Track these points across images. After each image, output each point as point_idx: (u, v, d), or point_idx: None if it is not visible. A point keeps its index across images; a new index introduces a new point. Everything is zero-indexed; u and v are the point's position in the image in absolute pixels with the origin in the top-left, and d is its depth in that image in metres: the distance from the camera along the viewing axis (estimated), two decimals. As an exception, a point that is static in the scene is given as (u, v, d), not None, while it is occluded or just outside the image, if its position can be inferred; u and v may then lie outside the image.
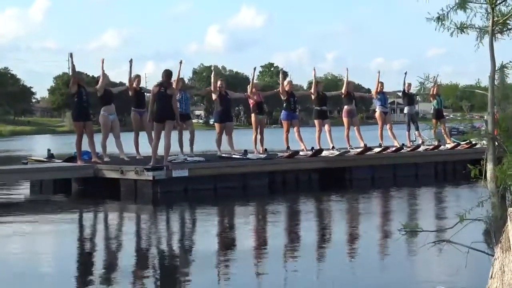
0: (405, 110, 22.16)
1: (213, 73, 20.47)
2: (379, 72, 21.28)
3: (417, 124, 22.26)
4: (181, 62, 17.05)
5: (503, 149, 5.86)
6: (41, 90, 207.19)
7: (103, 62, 17.00)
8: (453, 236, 5.89)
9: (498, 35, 6.15)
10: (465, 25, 6.12)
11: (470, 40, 6.03)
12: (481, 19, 6.27)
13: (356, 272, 7.78)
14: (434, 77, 6.33)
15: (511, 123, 5.88)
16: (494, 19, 5.94)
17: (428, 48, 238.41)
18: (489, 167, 5.84)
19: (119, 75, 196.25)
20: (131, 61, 17.24)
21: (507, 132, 5.81)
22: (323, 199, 15.09)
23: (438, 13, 6.01)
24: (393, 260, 8.36)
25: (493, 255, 5.44)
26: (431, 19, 6.13)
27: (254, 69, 19.67)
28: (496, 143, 5.82)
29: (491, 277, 4.50)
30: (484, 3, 6.16)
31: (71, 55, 16.51)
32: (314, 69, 20.06)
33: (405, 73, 21.78)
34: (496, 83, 6.10)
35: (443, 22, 6.08)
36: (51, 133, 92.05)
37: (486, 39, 6.15)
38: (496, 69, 6.03)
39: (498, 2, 5.91)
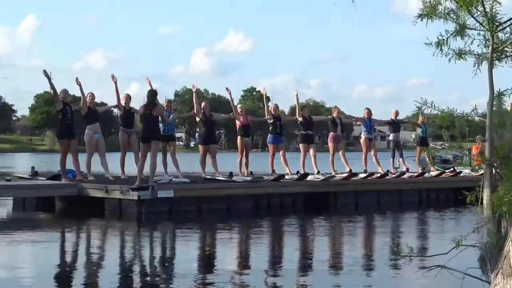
0: (390, 137, 22.23)
1: (194, 95, 18.80)
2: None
3: (402, 151, 22.36)
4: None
5: (500, 176, 5.85)
6: (22, 108, 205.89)
7: (80, 84, 16.44)
8: (447, 262, 5.84)
9: (496, 62, 6.17)
10: (463, 51, 6.14)
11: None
12: (478, 46, 6.30)
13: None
14: (432, 102, 6.31)
15: (509, 150, 5.87)
16: (494, 46, 5.96)
17: (410, 76, 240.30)
18: (486, 193, 5.83)
19: (104, 95, 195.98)
20: (113, 77, 17.10)
21: (506, 159, 5.80)
22: (308, 222, 15.04)
23: (437, 38, 6.02)
24: (386, 285, 8.30)
25: (488, 282, 5.42)
26: (429, 44, 6.14)
27: (227, 89, 18.91)
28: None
29: (491, 303, 4.46)
30: (482, 30, 6.19)
31: (45, 73, 16.25)
32: (297, 93, 19.99)
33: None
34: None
35: (442, 47, 6.10)
36: (31, 151, 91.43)
37: (482, 65, 6.17)
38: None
39: (498, 29, 5.93)
